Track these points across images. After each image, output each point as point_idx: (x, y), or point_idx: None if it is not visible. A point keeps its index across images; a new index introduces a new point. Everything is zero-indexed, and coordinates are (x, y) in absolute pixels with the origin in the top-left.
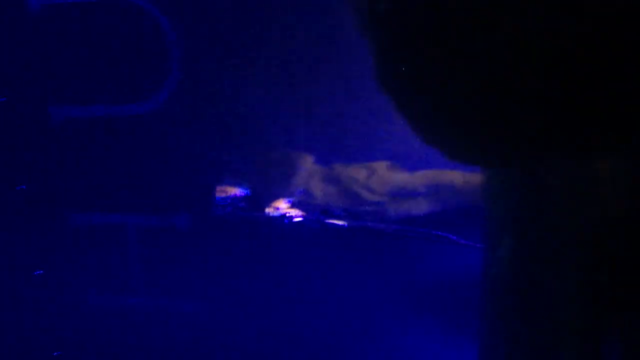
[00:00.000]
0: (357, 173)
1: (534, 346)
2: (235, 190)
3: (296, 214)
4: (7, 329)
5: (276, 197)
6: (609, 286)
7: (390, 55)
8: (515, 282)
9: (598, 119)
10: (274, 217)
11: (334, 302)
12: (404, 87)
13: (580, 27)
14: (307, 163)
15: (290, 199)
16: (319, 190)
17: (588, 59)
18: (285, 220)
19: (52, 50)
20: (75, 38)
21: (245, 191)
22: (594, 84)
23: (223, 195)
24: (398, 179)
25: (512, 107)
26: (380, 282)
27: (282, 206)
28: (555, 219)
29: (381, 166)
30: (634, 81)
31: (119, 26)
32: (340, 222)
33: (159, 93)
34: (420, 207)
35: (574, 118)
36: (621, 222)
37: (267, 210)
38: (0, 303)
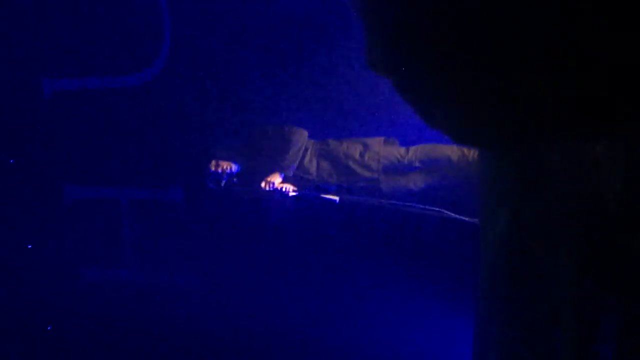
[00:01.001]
0: (351, 149)
1: (529, 322)
2: (228, 165)
3: (290, 189)
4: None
5: (270, 172)
6: (605, 264)
7: (387, 41)
8: (510, 257)
9: (597, 102)
10: (267, 192)
11: (326, 277)
12: (403, 73)
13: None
14: (302, 138)
15: (284, 174)
16: (313, 165)
17: (585, 43)
18: (279, 196)
19: (44, 23)
20: (67, 9)
21: (239, 166)
22: (592, 67)
23: (216, 170)
24: (393, 154)
25: (511, 89)
26: (374, 256)
27: (276, 181)
28: (553, 196)
29: (376, 142)
30: (630, 65)
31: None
32: (334, 198)
33: (153, 65)
34: (416, 182)
35: (572, 100)
36: (617, 202)
37: (260, 185)
38: None
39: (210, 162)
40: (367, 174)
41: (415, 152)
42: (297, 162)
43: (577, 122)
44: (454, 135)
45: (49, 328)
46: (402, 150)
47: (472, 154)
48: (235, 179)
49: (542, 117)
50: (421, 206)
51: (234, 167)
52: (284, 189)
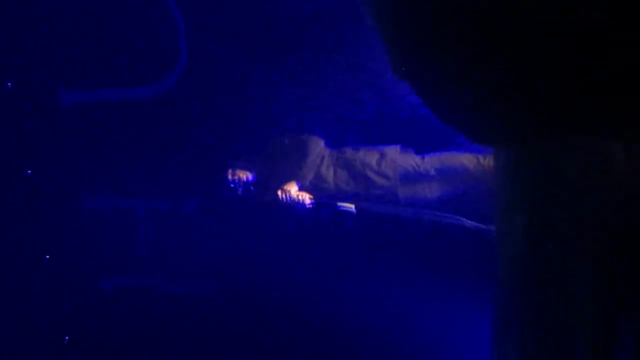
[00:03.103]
0: (368, 157)
1: (547, 325)
2: (245, 174)
3: (306, 198)
4: (18, 314)
5: (286, 181)
6: (624, 268)
7: (406, 45)
8: (528, 261)
9: (616, 102)
10: (284, 201)
11: (344, 285)
12: (421, 74)
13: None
14: (318, 147)
15: (301, 183)
16: (330, 174)
17: (604, 42)
18: (296, 204)
19: (60, 34)
20: (83, 22)
21: (256, 175)
22: (611, 65)
23: (233, 179)
24: (409, 162)
25: (529, 88)
26: (391, 264)
27: (292, 190)
28: (570, 200)
29: (392, 150)
30: None
31: (128, 11)
32: (350, 206)
33: (169, 77)
34: (432, 190)
35: (593, 100)
36: (635, 204)
37: (277, 194)
38: (11, 288)
39: (227, 171)
40: (384, 182)
41: (431, 161)
42: (314, 171)
43: (596, 120)
44: (471, 134)
45: (66, 338)
46: (418, 159)
47: (487, 162)
48: (251, 188)
49: (559, 113)
50: (439, 214)
51: (251, 176)
52: (300, 198)
